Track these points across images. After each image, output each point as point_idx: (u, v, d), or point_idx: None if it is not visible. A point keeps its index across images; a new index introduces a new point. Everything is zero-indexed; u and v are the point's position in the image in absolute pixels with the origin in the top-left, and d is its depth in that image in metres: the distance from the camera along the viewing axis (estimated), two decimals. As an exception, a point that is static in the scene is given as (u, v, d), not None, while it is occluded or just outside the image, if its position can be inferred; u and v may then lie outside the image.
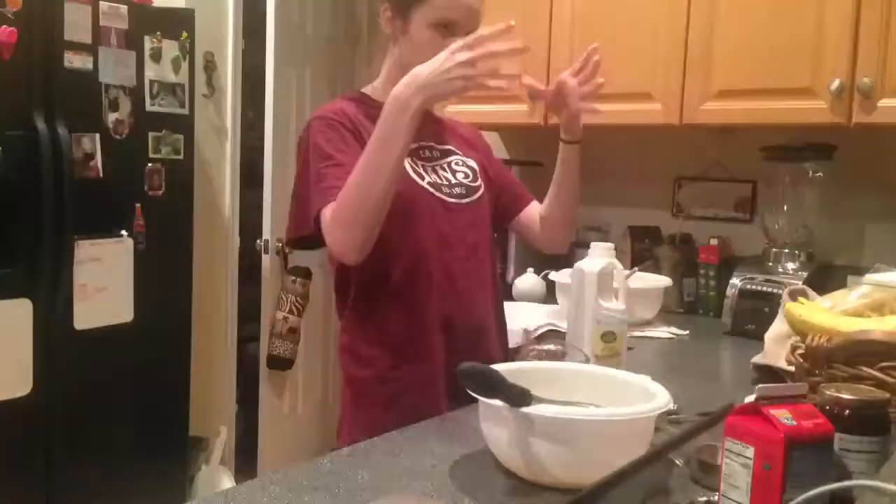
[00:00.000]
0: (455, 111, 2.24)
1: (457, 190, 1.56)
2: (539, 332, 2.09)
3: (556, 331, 2.11)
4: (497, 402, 0.97)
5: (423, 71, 1.30)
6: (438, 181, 1.55)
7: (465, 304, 1.53)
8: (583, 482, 0.87)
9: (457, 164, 1.61)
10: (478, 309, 1.56)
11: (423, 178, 1.52)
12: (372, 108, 1.47)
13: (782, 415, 0.83)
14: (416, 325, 1.48)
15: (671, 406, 1.03)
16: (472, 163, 1.64)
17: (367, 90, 1.59)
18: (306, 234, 1.44)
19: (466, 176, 1.60)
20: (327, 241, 1.39)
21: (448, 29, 1.46)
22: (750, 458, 0.84)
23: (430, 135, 1.60)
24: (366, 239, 1.35)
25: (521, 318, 2.13)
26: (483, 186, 1.62)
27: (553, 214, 1.66)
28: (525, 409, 0.96)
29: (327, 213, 1.37)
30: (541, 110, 2.43)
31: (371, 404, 1.49)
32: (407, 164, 1.46)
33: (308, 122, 1.52)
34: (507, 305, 1.74)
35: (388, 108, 1.32)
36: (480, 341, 1.54)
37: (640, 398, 1.04)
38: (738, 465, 0.85)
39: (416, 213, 1.48)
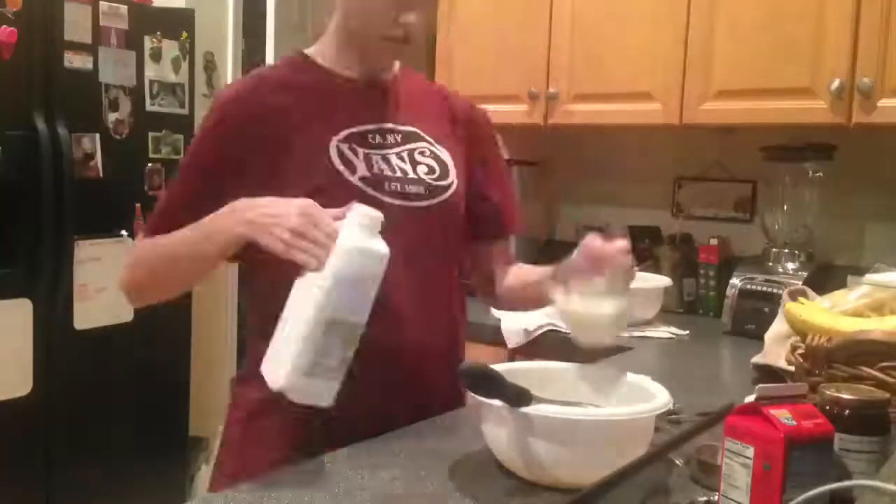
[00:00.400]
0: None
1: (410, 188, 1.24)
2: (538, 332, 2.09)
3: (556, 330, 2.11)
4: (496, 402, 0.97)
5: (257, 208, 1.08)
6: (379, 175, 1.23)
7: (396, 334, 1.20)
8: (583, 482, 0.87)
9: (421, 153, 1.29)
10: (411, 341, 1.22)
11: (354, 172, 1.21)
12: (308, 74, 1.28)
13: (782, 415, 0.83)
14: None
15: (671, 406, 1.03)
16: (446, 154, 1.31)
17: (310, 51, 1.33)
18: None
19: (431, 171, 1.28)
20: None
21: None
22: (750, 458, 0.84)
23: (391, 113, 1.30)
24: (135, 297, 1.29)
25: (521, 317, 2.13)
26: (455, 186, 1.29)
27: (521, 296, 1.41)
28: (524, 409, 0.96)
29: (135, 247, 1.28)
30: (541, 110, 2.43)
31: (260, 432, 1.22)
32: (336, 149, 1.22)
33: (216, 95, 1.33)
34: None
35: (207, 224, 1.14)
36: (416, 377, 1.23)
37: (640, 398, 1.04)
38: (738, 465, 0.85)
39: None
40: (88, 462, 2.60)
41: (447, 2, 2.56)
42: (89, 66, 2.52)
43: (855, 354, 1.23)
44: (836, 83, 1.93)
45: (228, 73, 3.18)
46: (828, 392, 1.00)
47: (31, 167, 2.37)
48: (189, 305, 2.92)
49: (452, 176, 1.30)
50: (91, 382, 2.60)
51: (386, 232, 1.06)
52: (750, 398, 0.88)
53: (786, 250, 2.20)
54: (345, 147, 1.22)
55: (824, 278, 2.11)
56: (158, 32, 2.72)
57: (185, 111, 2.84)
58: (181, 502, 2.82)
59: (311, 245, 1.01)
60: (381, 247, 1.01)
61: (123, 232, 2.65)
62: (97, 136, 2.56)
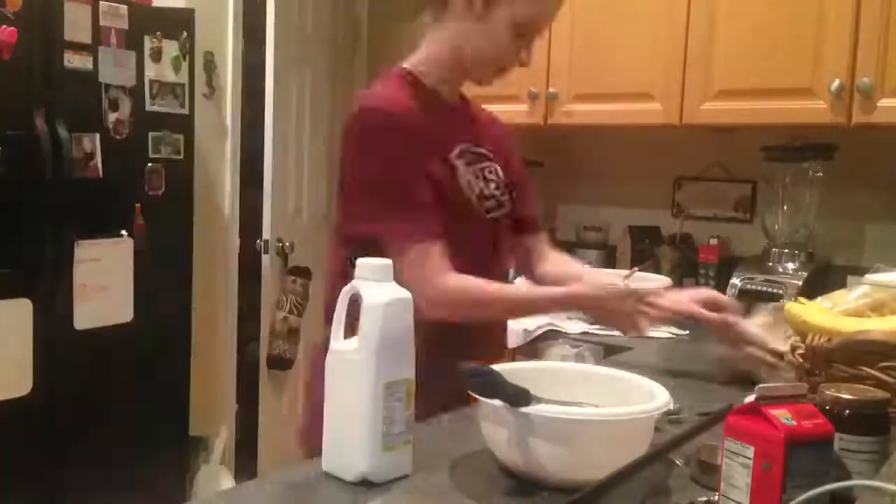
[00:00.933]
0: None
1: (488, 203, 1.43)
2: (539, 332, 2.09)
3: (555, 331, 2.11)
4: (496, 402, 0.97)
5: (612, 301, 1.37)
6: (480, 193, 1.42)
7: (479, 344, 1.39)
8: (582, 482, 0.87)
9: (489, 172, 1.46)
10: (490, 348, 1.46)
11: (472, 190, 1.40)
12: (422, 92, 1.39)
13: (782, 415, 0.83)
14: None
15: (671, 406, 1.03)
16: (502, 172, 1.49)
17: (410, 66, 1.43)
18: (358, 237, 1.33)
19: (498, 187, 1.46)
20: (410, 282, 1.09)
21: (526, 31, 1.38)
22: (750, 458, 0.84)
23: (466, 129, 1.47)
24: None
25: (521, 319, 2.13)
26: (511, 203, 1.49)
27: (555, 282, 1.56)
28: (524, 409, 0.96)
29: (416, 259, 1.28)
30: (541, 110, 2.43)
31: None
32: (457, 166, 1.38)
33: (370, 109, 1.34)
34: None
35: (560, 298, 1.40)
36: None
37: (641, 398, 1.04)
38: (738, 464, 0.85)
39: (462, 233, 1.36)
40: (88, 462, 2.60)
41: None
42: (89, 66, 2.52)
43: (855, 354, 1.23)
44: (836, 83, 1.93)
45: (228, 73, 3.18)
46: (828, 392, 1.00)
47: (31, 167, 2.37)
48: (189, 305, 2.92)
49: (509, 195, 1.48)
50: (91, 382, 2.60)
51: (484, 247, 1.41)
52: (750, 398, 0.88)
53: (786, 250, 2.20)
54: (461, 162, 1.38)
55: (824, 278, 2.11)
56: (158, 32, 2.72)
57: (185, 111, 2.83)
58: (181, 502, 2.82)
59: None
60: (402, 293, 0.99)
61: (123, 232, 2.65)
62: (97, 136, 2.55)
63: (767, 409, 0.83)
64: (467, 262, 1.33)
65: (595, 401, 1.09)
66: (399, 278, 1.07)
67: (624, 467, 0.86)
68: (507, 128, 1.62)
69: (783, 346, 1.52)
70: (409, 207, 1.30)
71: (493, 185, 1.44)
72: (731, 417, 0.87)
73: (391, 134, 1.31)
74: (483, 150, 1.46)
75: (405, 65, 1.43)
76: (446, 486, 0.99)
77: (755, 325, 1.65)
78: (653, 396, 1.04)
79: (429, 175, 1.33)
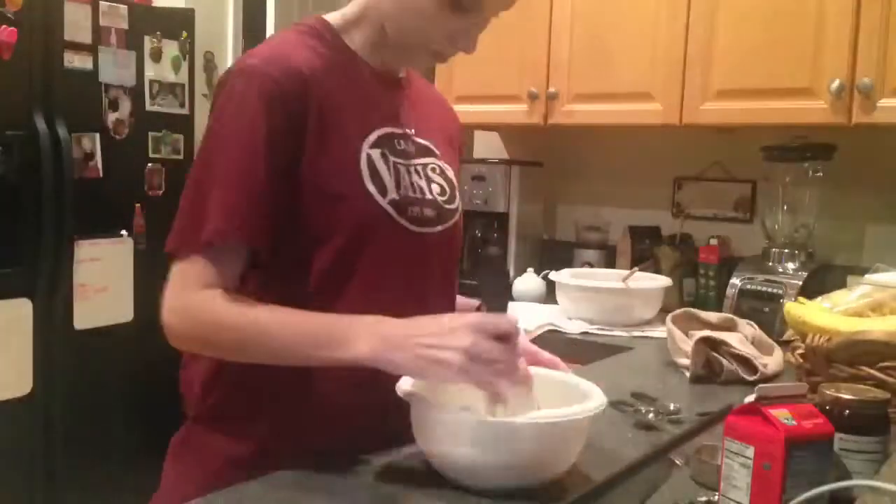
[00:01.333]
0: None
1: (427, 212, 1.10)
2: (538, 332, 2.09)
3: (556, 331, 2.11)
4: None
5: (406, 341, 0.92)
6: (408, 197, 1.08)
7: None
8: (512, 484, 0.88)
9: (433, 170, 1.14)
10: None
11: (385, 194, 1.05)
12: (333, 51, 1.07)
13: (782, 415, 0.83)
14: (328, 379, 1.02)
15: (601, 408, 0.95)
16: (451, 173, 1.18)
17: (333, 20, 1.11)
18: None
19: (442, 192, 1.14)
20: (165, 305, 1.03)
21: (463, 5, 1.01)
22: (750, 458, 0.84)
23: (411, 119, 1.13)
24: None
25: (520, 317, 2.13)
26: (459, 210, 1.18)
27: None
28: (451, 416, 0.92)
29: (187, 269, 1.00)
30: (541, 110, 2.43)
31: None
32: (366, 158, 1.05)
33: (237, 68, 1.02)
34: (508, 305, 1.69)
35: (339, 334, 0.95)
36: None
37: (576, 400, 0.98)
38: (737, 464, 0.85)
39: (366, 249, 1.04)
40: (88, 462, 2.60)
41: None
42: (89, 66, 2.52)
43: (855, 354, 1.24)
44: (836, 83, 1.93)
45: (228, 73, 3.18)
46: (828, 392, 1.00)
47: (31, 167, 2.37)
48: (189, 305, 2.92)
49: (458, 198, 1.17)
50: (91, 382, 2.60)
51: (391, 257, 1.04)
52: (750, 398, 0.88)
53: (786, 250, 2.20)
54: (376, 154, 1.06)
55: (824, 278, 2.11)
56: (158, 32, 2.72)
57: (185, 111, 2.84)
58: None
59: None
60: None
61: (123, 232, 2.66)
62: (97, 136, 2.56)
63: (767, 409, 0.83)
64: (393, 298, 1.03)
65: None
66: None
67: (624, 467, 0.86)
68: (459, 124, 1.30)
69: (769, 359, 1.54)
70: (213, 206, 0.97)
71: (436, 189, 1.13)
72: (730, 417, 0.87)
73: (244, 106, 0.98)
74: (426, 143, 1.15)
75: (328, 16, 1.11)
76: (446, 486, 0.99)
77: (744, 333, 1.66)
78: (586, 397, 0.98)
79: (301, 168, 1.00)
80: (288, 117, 0.99)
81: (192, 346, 1.05)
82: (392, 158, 1.08)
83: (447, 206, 1.14)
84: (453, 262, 1.20)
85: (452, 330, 0.90)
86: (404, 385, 0.98)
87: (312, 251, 1.03)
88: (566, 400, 0.98)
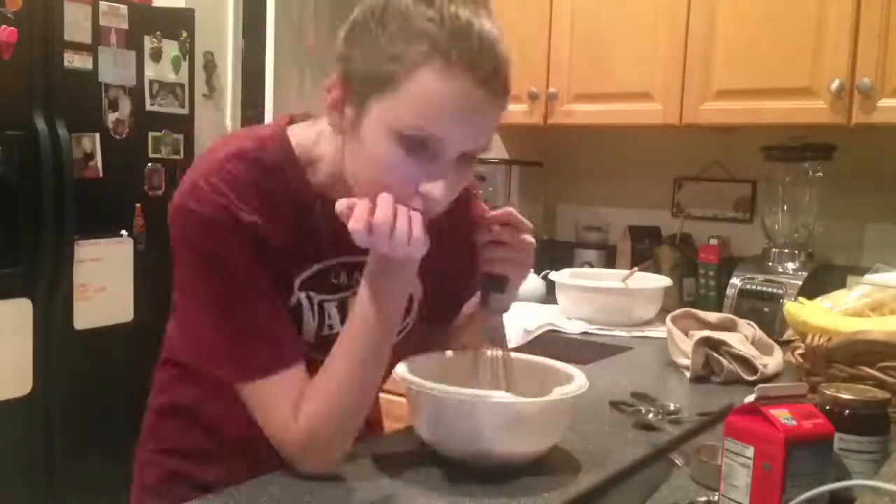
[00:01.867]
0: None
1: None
2: (538, 332, 2.09)
3: (555, 331, 2.11)
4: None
5: (374, 259, 0.95)
6: (328, 335, 1.03)
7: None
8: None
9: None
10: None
11: (303, 334, 1.03)
12: (290, 184, 0.99)
13: (782, 415, 0.83)
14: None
15: (581, 391, 1.02)
16: (416, 285, 1.10)
17: (297, 141, 1.03)
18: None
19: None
20: (266, 428, 0.98)
21: (420, 145, 0.88)
22: (750, 458, 0.84)
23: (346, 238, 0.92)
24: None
25: (520, 317, 2.13)
26: (411, 321, 1.12)
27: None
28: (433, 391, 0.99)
29: (261, 395, 0.97)
30: (541, 110, 2.43)
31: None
32: (296, 298, 1.02)
33: (185, 208, 0.95)
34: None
35: (368, 318, 0.95)
36: None
37: (560, 384, 1.05)
38: (737, 464, 0.85)
39: None
40: (89, 462, 2.60)
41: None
42: (89, 65, 2.52)
43: (855, 354, 1.24)
44: (836, 83, 1.93)
45: (228, 73, 3.18)
46: (828, 392, 1.00)
47: (31, 167, 2.37)
48: (189, 305, 2.92)
49: (413, 311, 1.11)
50: (91, 382, 2.60)
51: None
52: (750, 398, 0.88)
53: (786, 250, 2.20)
54: (302, 296, 1.02)
55: (824, 278, 2.11)
56: (158, 32, 2.73)
57: (185, 111, 2.84)
58: (181, 502, 2.82)
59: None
60: None
61: (123, 232, 2.66)
62: (97, 136, 2.56)
63: (767, 409, 0.83)
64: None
65: (525, 390, 1.05)
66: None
67: (624, 467, 0.86)
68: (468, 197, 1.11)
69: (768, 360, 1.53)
70: (245, 334, 0.96)
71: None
72: (730, 417, 0.87)
73: (217, 245, 0.94)
74: (350, 267, 1.05)
75: (289, 132, 1.04)
76: (445, 486, 0.99)
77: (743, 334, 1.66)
78: (570, 379, 1.06)
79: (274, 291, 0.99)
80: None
81: (339, 441, 0.99)
82: (318, 297, 1.03)
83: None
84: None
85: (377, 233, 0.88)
86: (400, 370, 1.04)
87: None
88: (545, 384, 1.06)
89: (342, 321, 1.03)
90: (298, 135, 1.04)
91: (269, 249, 0.97)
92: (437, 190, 0.90)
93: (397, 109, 0.88)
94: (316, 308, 1.03)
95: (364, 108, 0.91)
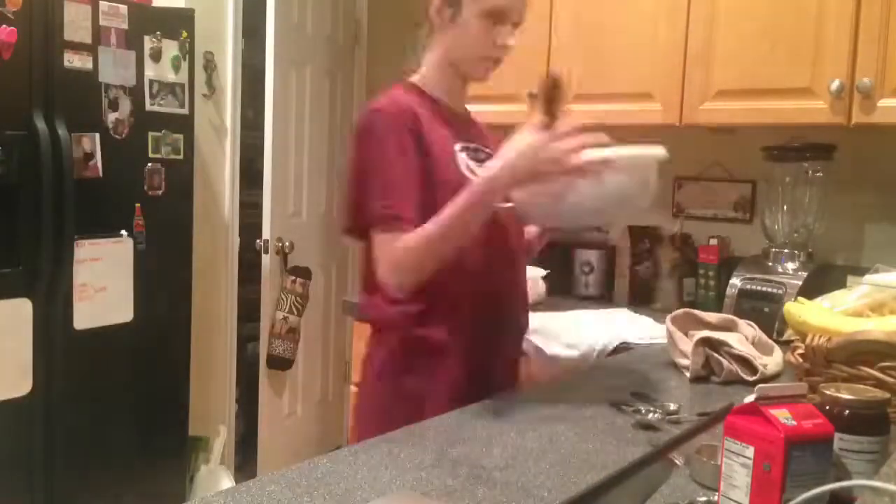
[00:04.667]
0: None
1: None
2: (611, 347, 1.96)
3: (626, 345, 1.97)
4: None
5: (516, 159, 1.32)
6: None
7: (507, 317, 1.59)
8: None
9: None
10: (518, 322, 1.65)
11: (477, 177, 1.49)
12: (426, 100, 1.52)
13: (782, 415, 0.83)
14: (463, 332, 1.49)
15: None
16: None
17: (415, 80, 1.58)
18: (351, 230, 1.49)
19: None
20: (379, 271, 1.41)
21: (498, 18, 1.47)
22: (750, 458, 0.84)
23: (476, 135, 1.60)
24: (416, 284, 1.40)
25: (589, 333, 2.03)
26: None
27: None
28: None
29: (383, 240, 1.39)
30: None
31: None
32: (459, 156, 1.50)
33: (371, 110, 1.46)
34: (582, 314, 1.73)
35: (479, 189, 1.34)
36: (515, 348, 1.66)
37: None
38: (738, 465, 0.85)
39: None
40: (88, 462, 2.60)
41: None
42: (89, 65, 2.52)
43: (855, 354, 1.24)
44: (835, 83, 1.93)
45: (228, 72, 3.18)
46: (828, 392, 1.00)
47: (31, 167, 2.37)
48: (189, 305, 2.92)
49: None
50: (91, 382, 2.60)
51: (497, 230, 1.48)
52: (750, 398, 0.88)
53: (786, 250, 2.20)
54: (463, 156, 1.50)
55: (824, 278, 2.11)
56: (158, 32, 2.72)
57: (185, 111, 2.84)
58: (181, 502, 2.82)
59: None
60: None
61: (123, 232, 2.65)
62: (97, 135, 2.56)
63: (767, 409, 0.83)
64: (482, 250, 1.47)
65: None
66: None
67: (624, 467, 0.86)
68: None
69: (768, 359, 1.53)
70: (389, 196, 1.40)
71: None
72: (730, 417, 0.87)
73: (384, 131, 1.42)
74: (486, 150, 1.57)
75: (411, 79, 1.57)
76: (446, 486, 0.99)
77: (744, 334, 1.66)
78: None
79: (423, 170, 1.43)
80: (412, 134, 1.43)
81: (414, 271, 1.39)
82: (473, 162, 1.50)
83: None
84: (522, 232, 1.64)
85: (529, 143, 1.32)
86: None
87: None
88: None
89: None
90: (414, 79, 1.59)
91: (424, 134, 1.45)
92: (508, 39, 1.50)
93: (480, 2, 1.46)
94: (475, 163, 1.51)
95: (459, 6, 1.48)
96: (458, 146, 1.51)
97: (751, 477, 0.83)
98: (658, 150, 1.39)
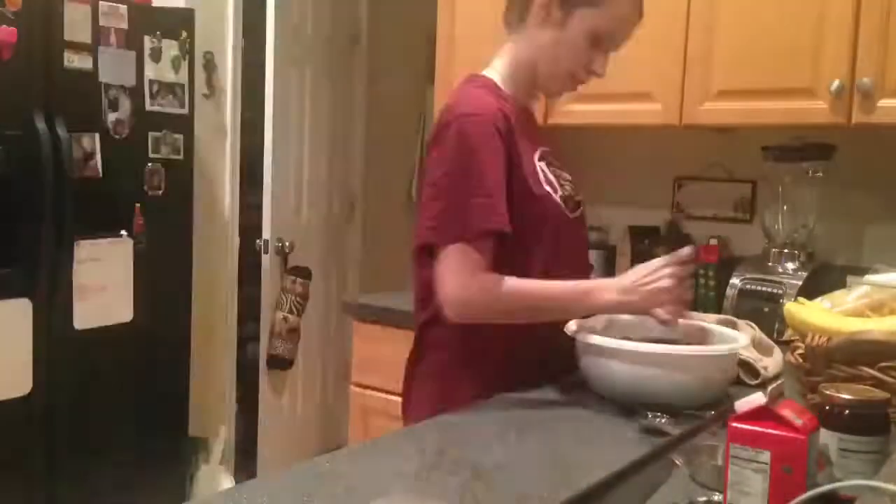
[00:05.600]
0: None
1: (570, 204, 1.47)
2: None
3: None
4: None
5: (641, 279, 1.34)
6: (564, 195, 1.46)
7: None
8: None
9: (563, 173, 1.51)
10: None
11: (556, 191, 1.44)
12: (510, 104, 1.42)
13: (789, 415, 0.83)
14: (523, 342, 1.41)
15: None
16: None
17: (492, 76, 1.47)
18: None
19: (574, 187, 1.51)
20: (448, 288, 1.31)
21: (601, 42, 1.41)
22: (766, 463, 0.82)
23: (539, 136, 1.52)
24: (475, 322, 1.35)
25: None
26: (581, 205, 1.53)
27: None
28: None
29: (453, 258, 1.30)
30: (541, 110, 2.43)
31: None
32: (539, 167, 1.43)
33: (461, 115, 1.34)
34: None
35: (588, 297, 1.35)
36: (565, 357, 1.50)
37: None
38: (750, 471, 0.84)
39: (548, 233, 1.42)
40: (89, 462, 2.60)
41: (449, 3, 2.56)
42: (89, 65, 2.52)
43: (855, 354, 1.23)
44: (836, 83, 1.93)
45: (228, 73, 3.18)
46: (828, 392, 1.00)
47: (31, 167, 2.37)
48: (189, 305, 2.92)
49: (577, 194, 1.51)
50: (91, 382, 2.60)
51: (571, 244, 1.45)
52: (749, 398, 0.88)
53: (786, 250, 2.19)
54: (543, 165, 1.44)
55: (824, 278, 2.11)
56: (158, 32, 2.72)
57: (185, 111, 2.84)
58: (181, 502, 2.82)
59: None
60: None
61: (123, 232, 2.66)
62: (97, 135, 2.56)
63: (781, 411, 0.82)
64: (563, 264, 1.42)
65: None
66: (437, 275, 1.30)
67: (624, 467, 0.86)
68: None
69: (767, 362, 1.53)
70: (492, 211, 1.31)
71: (568, 187, 1.49)
72: (736, 423, 0.85)
73: (482, 138, 1.32)
74: (552, 155, 1.52)
75: (486, 73, 1.47)
76: (447, 486, 0.99)
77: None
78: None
79: (513, 181, 1.35)
80: (505, 144, 1.35)
81: (486, 316, 1.34)
82: (550, 170, 1.45)
83: (577, 198, 1.50)
84: (587, 237, 1.64)
85: (657, 273, 1.34)
86: (572, 326, 1.41)
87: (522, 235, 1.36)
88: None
89: (562, 188, 1.45)
90: (488, 74, 1.49)
91: (514, 142, 1.38)
92: (602, 69, 1.45)
93: (598, 18, 1.39)
94: (552, 174, 1.45)
95: (572, 13, 1.39)
96: (537, 153, 1.45)
97: (768, 482, 0.82)
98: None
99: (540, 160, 1.44)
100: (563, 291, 1.35)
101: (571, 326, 1.42)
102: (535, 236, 1.39)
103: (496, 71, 1.47)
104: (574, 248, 1.50)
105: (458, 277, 1.30)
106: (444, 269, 1.31)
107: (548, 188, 1.42)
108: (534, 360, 1.44)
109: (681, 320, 1.40)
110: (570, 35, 1.39)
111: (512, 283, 1.32)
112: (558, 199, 1.44)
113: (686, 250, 1.36)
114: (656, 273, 1.34)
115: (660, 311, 1.34)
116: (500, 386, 1.39)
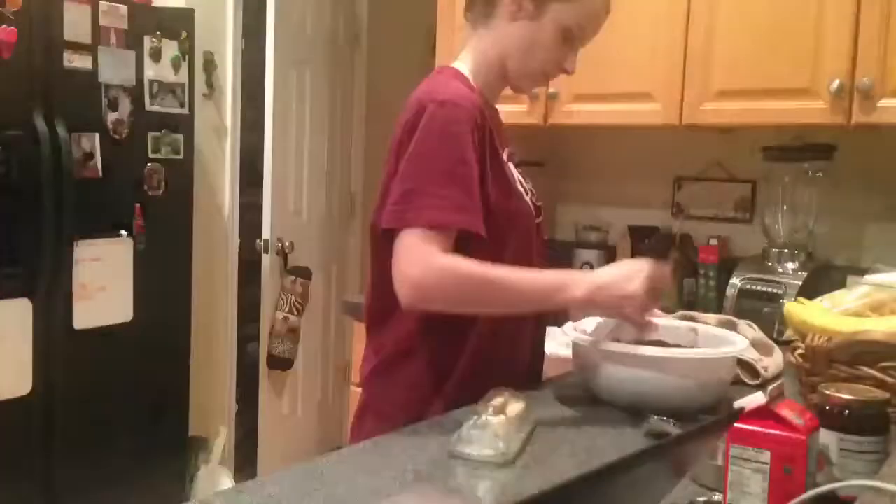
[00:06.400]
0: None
1: (534, 208, 1.44)
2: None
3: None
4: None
5: (612, 281, 1.24)
6: (530, 198, 1.42)
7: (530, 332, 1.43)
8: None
9: (525, 177, 1.46)
10: (529, 333, 1.45)
11: (526, 193, 1.41)
12: (482, 98, 1.36)
13: (790, 415, 0.83)
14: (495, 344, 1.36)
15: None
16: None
17: (461, 68, 1.40)
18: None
19: (533, 192, 1.46)
20: (403, 275, 1.21)
21: (572, 37, 1.36)
22: (766, 463, 0.82)
23: (504, 134, 1.45)
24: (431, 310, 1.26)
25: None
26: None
27: None
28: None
29: (414, 240, 1.21)
30: (540, 110, 2.43)
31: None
32: (510, 169, 1.38)
33: (441, 102, 1.26)
34: None
35: (559, 294, 1.24)
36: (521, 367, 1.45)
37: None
38: (750, 471, 0.84)
39: (520, 234, 1.37)
40: (88, 462, 2.60)
41: (448, 3, 2.56)
42: (89, 65, 2.52)
43: (855, 354, 1.24)
44: (835, 83, 1.93)
45: (228, 73, 3.18)
46: (828, 392, 1.00)
47: (31, 167, 2.37)
48: (189, 305, 2.92)
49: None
50: (91, 382, 2.60)
51: (527, 244, 1.37)
52: (748, 399, 0.88)
53: (786, 250, 2.19)
54: (511, 166, 1.40)
55: (824, 278, 2.11)
56: (158, 32, 2.72)
57: (185, 111, 2.84)
58: (181, 502, 2.82)
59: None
60: None
61: (123, 232, 2.65)
62: (97, 135, 2.56)
63: (780, 411, 0.83)
64: (533, 266, 1.34)
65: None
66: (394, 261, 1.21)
67: (627, 470, 0.86)
68: None
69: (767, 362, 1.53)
70: (449, 196, 1.23)
71: (530, 191, 1.44)
72: (739, 423, 0.85)
73: (462, 127, 1.25)
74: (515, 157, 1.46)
75: (455, 66, 1.41)
76: (447, 486, 0.99)
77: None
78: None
79: (487, 178, 1.29)
80: (483, 139, 1.29)
81: (446, 301, 1.24)
82: (517, 169, 1.42)
83: (538, 203, 1.46)
84: (546, 245, 1.55)
85: (630, 279, 1.24)
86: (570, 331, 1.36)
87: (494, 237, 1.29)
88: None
89: (527, 192, 1.41)
90: (457, 66, 1.42)
91: (490, 136, 1.32)
92: (573, 66, 1.40)
93: (569, 12, 1.34)
94: (516, 175, 1.40)
95: (545, 7, 1.33)
96: (505, 155, 1.39)
97: (768, 481, 0.82)
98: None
99: (508, 161, 1.39)
100: (533, 284, 1.26)
101: (569, 330, 1.37)
102: (508, 236, 1.33)
103: (465, 65, 1.41)
104: (538, 253, 1.43)
105: (418, 256, 1.21)
106: (402, 248, 1.22)
107: (520, 188, 1.39)
108: (507, 359, 1.38)
109: (654, 320, 1.35)
110: (543, 30, 1.35)
111: (476, 266, 1.21)
112: (529, 200, 1.41)
113: (663, 274, 1.28)
114: (634, 276, 1.25)
115: (634, 315, 1.28)
116: (475, 388, 1.24)
